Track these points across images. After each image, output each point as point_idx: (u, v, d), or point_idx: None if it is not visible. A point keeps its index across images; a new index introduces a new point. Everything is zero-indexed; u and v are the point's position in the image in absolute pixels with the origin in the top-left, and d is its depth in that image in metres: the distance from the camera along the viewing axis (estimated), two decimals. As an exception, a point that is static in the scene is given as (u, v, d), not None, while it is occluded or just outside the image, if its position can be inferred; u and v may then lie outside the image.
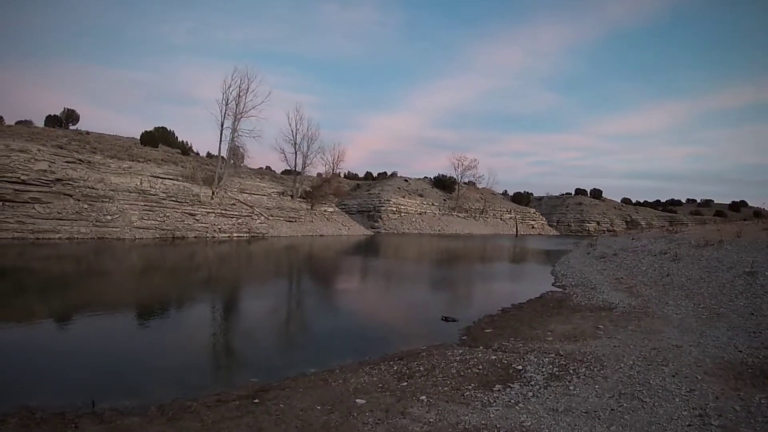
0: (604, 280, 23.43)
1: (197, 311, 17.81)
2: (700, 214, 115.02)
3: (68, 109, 58.11)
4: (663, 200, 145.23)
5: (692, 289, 18.20)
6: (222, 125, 52.26)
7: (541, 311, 16.98)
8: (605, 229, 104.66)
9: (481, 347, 11.90)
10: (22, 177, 36.20)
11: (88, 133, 53.62)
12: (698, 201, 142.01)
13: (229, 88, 52.24)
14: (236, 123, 52.27)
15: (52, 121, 55.83)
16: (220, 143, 52.93)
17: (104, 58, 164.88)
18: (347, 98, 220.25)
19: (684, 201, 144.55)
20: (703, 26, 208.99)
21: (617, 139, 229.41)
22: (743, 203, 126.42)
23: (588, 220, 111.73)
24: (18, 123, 52.54)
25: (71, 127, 56.03)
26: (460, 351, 11.52)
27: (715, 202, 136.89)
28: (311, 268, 32.78)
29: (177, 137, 61.68)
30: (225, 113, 52.09)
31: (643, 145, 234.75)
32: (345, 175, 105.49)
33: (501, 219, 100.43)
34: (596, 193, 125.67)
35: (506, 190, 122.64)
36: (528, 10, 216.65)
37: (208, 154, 63.66)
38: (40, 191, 37.13)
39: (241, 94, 52.36)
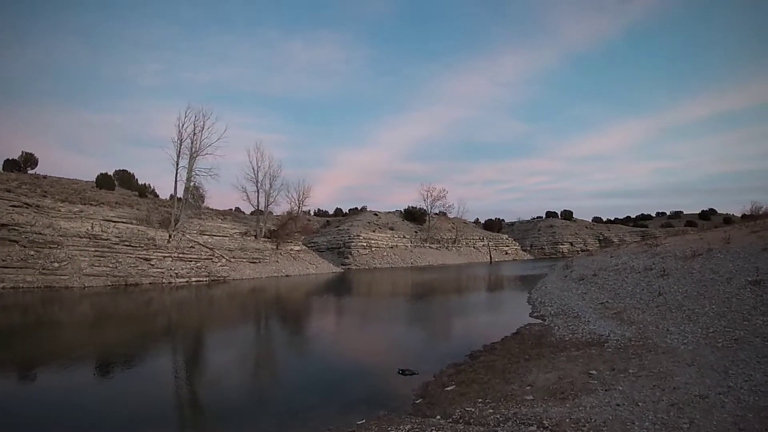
0: (587, 306, 20.33)
1: (155, 366, 15.70)
2: (671, 226, 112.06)
3: (26, 153, 54.34)
4: (633, 216, 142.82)
5: (693, 309, 15.33)
6: (177, 164, 48.34)
7: (517, 353, 13.72)
8: (579, 249, 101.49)
9: (438, 417, 8.69)
10: None
11: (45, 177, 49.52)
12: (668, 213, 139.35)
13: (183, 125, 48.23)
14: (192, 162, 48.30)
15: (10, 165, 51.88)
16: (175, 183, 48.95)
17: (70, 100, 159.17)
18: (315, 136, 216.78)
19: (654, 215, 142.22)
20: (657, 44, 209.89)
21: (584, 160, 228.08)
22: (712, 211, 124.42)
23: (561, 241, 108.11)
24: None
25: (30, 171, 51.99)
26: (407, 428, 8.09)
27: (685, 213, 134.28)
28: (261, 315, 29.11)
29: (137, 180, 57.67)
30: (180, 152, 48.20)
31: (611, 164, 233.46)
32: (314, 212, 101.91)
33: (474, 247, 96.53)
34: (567, 215, 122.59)
35: (478, 218, 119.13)
36: (488, 41, 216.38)
37: (171, 197, 59.77)
38: None
39: (196, 131, 48.61)
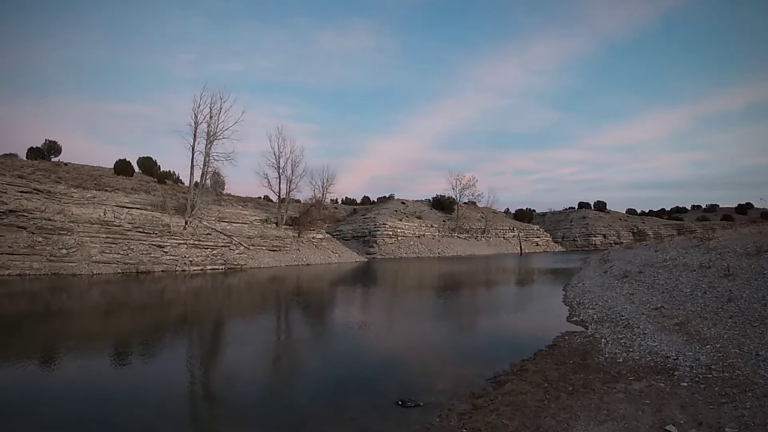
0: (638, 312, 16.52)
1: (170, 357, 14.51)
2: (707, 220, 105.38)
3: (50, 141, 52.30)
4: (668, 208, 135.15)
5: (784, 324, 11.36)
6: (193, 149, 45.61)
7: (556, 380, 10.20)
8: (612, 241, 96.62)
9: None
10: None
11: (65, 164, 47.61)
12: (704, 206, 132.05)
13: (198, 108, 45.40)
14: (209, 146, 45.63)
15: (33, 153, 50.00)
16: (191, 168, 46.05)
17: (104, 93, 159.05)
18: (346, 125, 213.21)
19: (689, 208, 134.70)
20: (695, 31, 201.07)
21: (618, 150, 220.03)
22: (749, 205, 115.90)
23: (594, 233, 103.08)
24: (2, 156, 46.61)
25: (53, 159, 49.88)
26: None
27: (721, 206, 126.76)
28: (276, 306, 26.05)
29: (159, 167, 54.49)
30: (196, 136, 45.50)
31: (644, 154, 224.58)
32: (342, 200, 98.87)
33: (504, 238, 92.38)
34: (600, 206, 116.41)
35: (508, 208, 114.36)
36: (521, 29, 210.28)
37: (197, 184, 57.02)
38: None
39: (213, 115, 45.71)
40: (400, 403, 9.37)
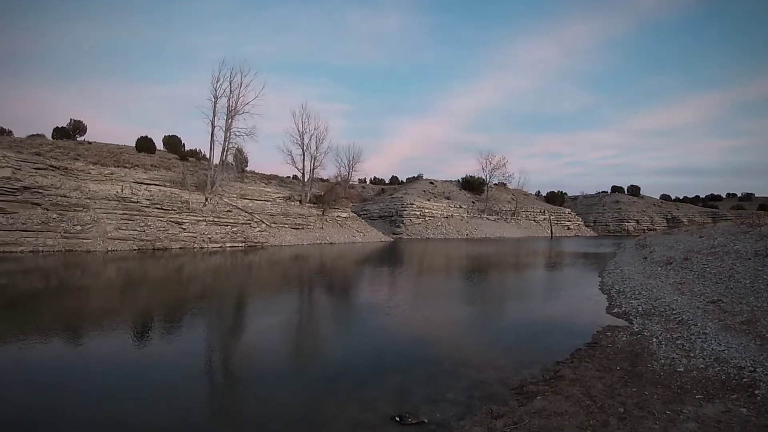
0: (691, 305, 14.11)
1: (190, 334, 13.76)
2: (743, 209, 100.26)
3: (75, 120, 51.79)
4: (702, 196, 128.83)
5: None
6: (213, 124, 43.95)
7: (601, 397, 7.96)
8: (645, 228, 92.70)
9: None
10: None
11: (89, 143, 46.60)
12: (739, 195, 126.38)
13: (218, 82, 43.68)
14: (230, 121, 43.87)
15: (59, 132, 49.43)
16: (211, 144, 44.48)
17: (135, 75, 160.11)
18: (377, 105, 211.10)
19: (724, 196, 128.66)
20: (736, 14, 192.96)
21: (651, 135, 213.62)
22: None
23: (627, 219, 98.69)
24: (30, 136, 46.66)
25: (78, 139, 48.99)
26: None
27: (757, 195, 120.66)
28: (292, 285, 24.31)
29: (184, 145, 53.02)
30: (215, 111, 43.82)
31: (679, 139, 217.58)
32: (371, 180, 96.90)
33: (534, 221, 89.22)
34: (634, 190, 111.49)
35: (539, 191, 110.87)
36: (557, 7, 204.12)
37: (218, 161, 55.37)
38: (3, 200, 30.77)
39: (233, 89, 43.98)
40: (397, 419, 7.38)
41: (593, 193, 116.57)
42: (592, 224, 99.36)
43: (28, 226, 30.58)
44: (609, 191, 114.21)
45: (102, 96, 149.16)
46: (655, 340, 10.91)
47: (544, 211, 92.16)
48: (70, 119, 51.09)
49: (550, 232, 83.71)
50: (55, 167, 35.12)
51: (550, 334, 13.12)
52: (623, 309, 15.13)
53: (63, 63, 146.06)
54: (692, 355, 9.51)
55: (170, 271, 27.32)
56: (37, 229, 30.80)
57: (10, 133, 48.25)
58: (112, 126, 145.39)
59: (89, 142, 46.62)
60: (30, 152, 35.70)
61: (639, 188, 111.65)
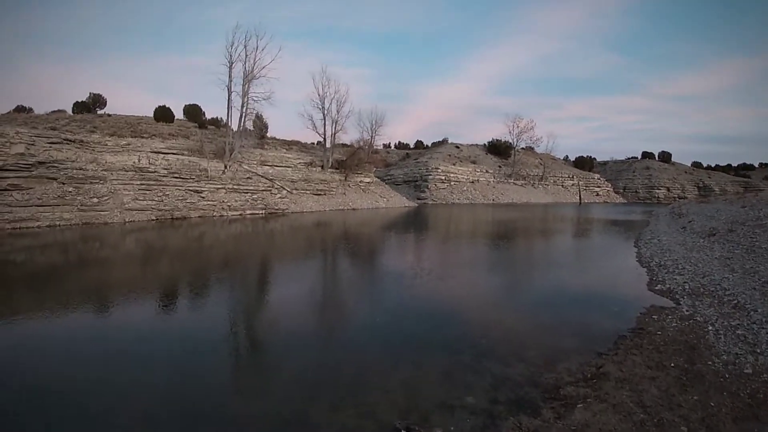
0: (744, 284, 12.46)
1: (214, 303, 13.63)
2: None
3: (94, 94, 51.00)
4: (734, 164, 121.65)
5: None
6: (229, 90, 42.20)
7: (656, 409, 6.45)
8: (676, 195, 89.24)
9: None
10: None
11: (109, 115, 45.56)
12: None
13: (232, 46, 41.81)
14: (246, 86, 42.14)
15: (79, 107, 48.61)
16: (228, 110, 42.74)
17: (157, 47, 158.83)
18: (401, 70, 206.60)
19: (757, 165, 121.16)
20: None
21: (681, 100, 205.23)
22: None
23: (657, 186, 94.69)
24: (52, 112, 46.17)
25: (98, 112, 48.17)
26: None
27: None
28: (307, 256, 23.12)
29: (205, 114, 51.64)
30: (231, 76, 41.99)
31: (709, 106, 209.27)
32: (395, 145, 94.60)
33: (562, 186, 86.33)
34: (665, 157, 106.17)
35: (567, 156, 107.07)
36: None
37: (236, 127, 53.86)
38: (18, 177, 29.77)
39: (248, 53, 42.02)
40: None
41: (623, 158, 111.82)
42: (621, 191, 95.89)
43: (44, 201, 29.81)
44: (639, 157, 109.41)
45: (122, 69, 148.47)
46: (711, 328, 9.28)
47: (572, 177, 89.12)
48: (90, 93, 50.37)
49: (578, 197, 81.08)
50: (70, 140, 34.16)
51: (587, 314, 11.70)
52: (667, 286, 13.56)
53: (83, 39, 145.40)
54: (759, 351, 7.96)
55: (190, 240, 26.94)
56: (53, 204, 30.05)
57: (30, 110, 47.62)
58: (134, 99, 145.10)
59: (108, 115, 45.78)
60: (45, 127, 34.95)
61: (670, 155, 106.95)
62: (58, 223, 29.24)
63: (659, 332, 9.36)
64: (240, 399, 7.59)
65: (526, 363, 8.33)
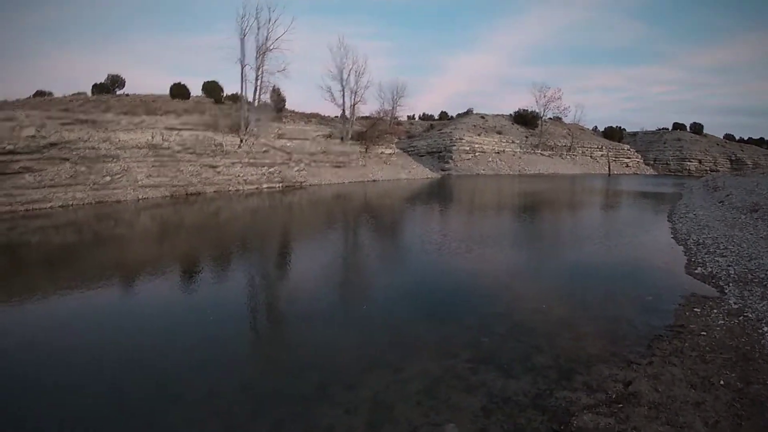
0: None
1: (233, 277, 13.40)
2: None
3: (112, 75, 50.27)
4: (767, 138, 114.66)
5: None
6: (242, 63, 40.41)
7: None
8: (708, 168, 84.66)
9: None
10: (8, 147, 28.41)
11: (127, 95, 45.11)
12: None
13: (243, 18, 39.92)
14: (260, 59, 40.39)
15: (98, 88, 47.97)
16: (242, 83, 41.11)
17: (174, 25, 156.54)
18: (422, 42, 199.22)
19: None
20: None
21: (714, 72, 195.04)
22: None
23: (689, 158, 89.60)
24: (72, 94, 45.13)
25: (117, 92, 47.55)
26: None
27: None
28: (325, 229, 22.13)
29: (223, 89, 50.04)
30: (244, 50, 40.20)
31: (742, 78, 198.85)
32: (419, 116, 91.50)
33: (591, 156, 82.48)
34: (697, 128, 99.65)
35: (596, 126, 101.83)
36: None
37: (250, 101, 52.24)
38: (30, 159, 29.26)
39: (260, 25, 40.09)
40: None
41: (653, 129, 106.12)
42: (651, 162, 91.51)
43: (57, 182, 29.21)
44: (670, 128, 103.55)
45: (143, 51, 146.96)
46: (767, 329, 7.05)
47: (601, 147, 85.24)
48: (108, 74, 49.66)
49: (607, 169, 77.79)
50: (82, 121, 33.30)
51: (616, 304, 10.17)
52: (708, 269, 11.94)
53: (103, 22, 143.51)
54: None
55: (206, 215, 26.81)
56: (65, 184, 29.41)
57: (50, 94, 46.67)
58: (154, 79, 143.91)
59: (126, 95, 45.19)
60: (58, 109, 34.18)
61: (702, 126, 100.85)
62: (71, 203, 28.57)
63: (703, 332, 7.78)
64: (264, 372, 7.62)
65: (534, 374, 6.89)
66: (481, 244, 17.18)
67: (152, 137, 34.48)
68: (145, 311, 10.36)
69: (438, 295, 11.19)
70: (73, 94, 44.78)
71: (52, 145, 30.06)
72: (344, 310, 10.47)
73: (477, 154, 67.93)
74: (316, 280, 12.72)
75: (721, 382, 6.12)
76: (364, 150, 50.57)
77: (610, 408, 5.79)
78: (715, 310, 8.87)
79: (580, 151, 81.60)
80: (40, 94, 46.21)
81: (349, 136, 50.35)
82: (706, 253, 13.62)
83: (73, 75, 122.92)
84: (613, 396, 6.10)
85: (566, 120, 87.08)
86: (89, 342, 8.70)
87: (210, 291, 11.90)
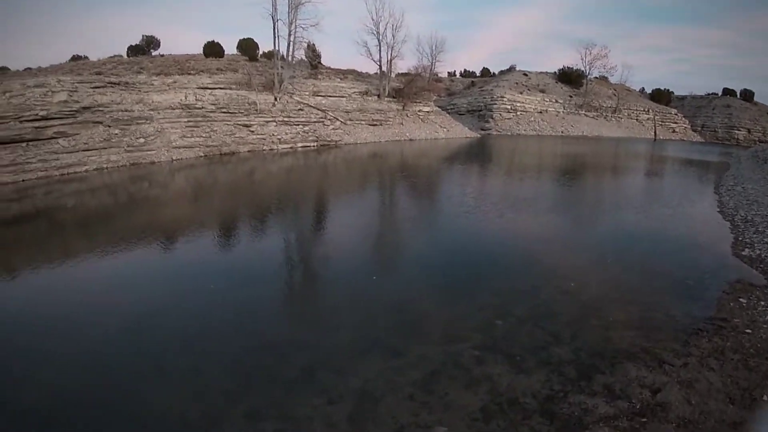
0: None
1: (271, 238, 13.37)
2: None
3: (147, 36, 49.00)
4: None
5: None
6: (274, 19, 38.70)
7: None
8: (756, 138, 79.25)
9: None
10: (41, 113, 28.20)
11: (162, 56, 44.05)
12: None
13: (272, -31, 39.30)
14: (293, 13, 38.75)
15: (133, 50, 47.26)
16: (274, 39, 39.42)
17: None
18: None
19: None
20: None
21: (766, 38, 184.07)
22: None
23: (737, 126, 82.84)
24: (108, 58, 43.79)
25: (153, 53, 46.57)
26: None
27: None
28: (362, 189, 21.90)
29: (258, 46, 48.45)
30: (276, 4, 38.15)
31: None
32: (461, 73, 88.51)
33: (637, 119, 77.87)
34: (747, 95, 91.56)
35: (643, 88, 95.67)
36: None
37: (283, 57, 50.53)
38: (63, 124, 29.02)
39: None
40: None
41: (702, 94, 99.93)
42: (699, 129, 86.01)
43: (90, 145, 29.04)
44: (720, 94, 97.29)
45: (178, 10, 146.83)
46: None
47: (648, 110, 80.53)
48: (142, 35, 48.49)
49: (653, 133, 73.98)
50: (115, 83, 33.00)
51: (652, 286, 9.40)
52: (757, 252, 10.96)
53: None
54: None
55: (241, 174, 26.74)
56: (99, 147, 29.26)
57: (85, 58, 46.36)
58: (189, 39, 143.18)
59: (162, 55, 44.37)
60: (91, 72, 33.77)
61: (753, 93, 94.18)
62: (105, 165, 28.47)
63: (748, 330, 6.99)
64: (252, 349, 7.36)
65: (548, 370, 6.30)
66: (514, 209, 16.61)
67: (185, 97, 34.04)
68: (178, 269, 10.62)
69: (457, 266, 10.70)
70: (109, 57, 44.30)
71: (85, 109, 29.93)
72: (352, 279, 10.07)
73: (518, 113, 65.29)
74: (334, 244, 12.66)
75: (765, 398, 5.29)
76: (401, 108, 49.00)
77: (631, 422, 5.04)
78: (762, 302, 7.97)
79: (626, 114, 77.61)
80: (76, 58, 46.00)
81: (386, 93, 48.94)
82: (754, 232, 12.56)
83: (108, 38, 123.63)
84: (638, 406, 5.34)
85: (612, 80, 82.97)
86: (119, 299, 8.80)
87: (226, 255, 11.94)
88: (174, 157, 30.72)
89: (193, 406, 5.93)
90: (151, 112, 32.13)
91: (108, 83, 32.50)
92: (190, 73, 36.77)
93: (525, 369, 6.32)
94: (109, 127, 30.23)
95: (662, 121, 79.61)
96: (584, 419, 5.27)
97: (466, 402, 5.68)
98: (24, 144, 27.33)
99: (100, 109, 30.38)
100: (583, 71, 77.47)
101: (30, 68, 38.74)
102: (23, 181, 25.29)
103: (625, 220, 15.45)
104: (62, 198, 20.95)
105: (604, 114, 74.65)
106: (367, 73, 57.45)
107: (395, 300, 8.85)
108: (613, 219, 15.86)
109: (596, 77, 79.64)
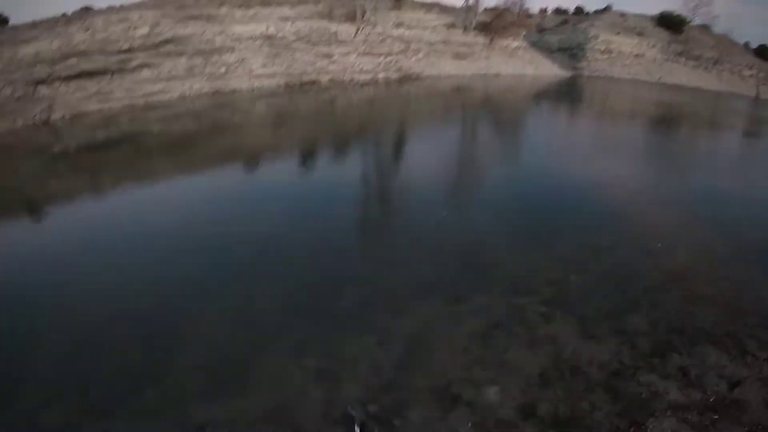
0: None
1: (350, 171, 13.36)
2: None
3: None
4: None
5: None
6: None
7: None
8: None
9: None
10: (124, 46, 28.80)
11: None
12: None
13: None
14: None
15: None
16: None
17: None
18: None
19: None
20: None
21: None
22: None
23: None
24: None
25: None
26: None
27: None
28: (444, 123, 22.67)
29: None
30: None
31: None
32: (553, 10, 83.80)
33: (739, 75, 69.40)
34: None
35: (748, 42, 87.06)
36: None
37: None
38: (147, 55, 29.58)
39: None
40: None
41: None
42: None
43: (173, 75, 29.44)
44: None
45: None
46: None
47: (751, 67, 72.55)
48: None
49: (755, 91, 65.32)
50: (196, 16, 33.25)
51: (749, 259, 8.15)
52: None
53: None
54: None
55: (320, 103, 26.80)
56: (182, 76, 29.67)
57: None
58: None
59: None
60: (173, 7, 34.05)
61: None
62: (188, 93, 28.68)
63: None
64: (307, 282, 7.10)
65: (620, 340, 5.38)
66: (603, 155, 15.73)
67: (267, 29, 34.03)
68: (260, 195, 10.73)
69: (534, 212, 9.99)
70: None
71: (167, 41, 30.24)
72: (422, 214, 9.77)
73: (613, 55, 60.29)
74: (408, 177, 12.62)
75: None
76: (488, 42, 46.52)
77: (701, 417, 4.38)
78: None
79: (728, 67, 70.50)
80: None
81: (473, 26, 46.45)
82: None
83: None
84: (711, 399, 4.61)
85: (715, 30, 75.99)
86: (192, 219, 9.21)
87: (300, 182, 12.06)
88: (255, 86, 30.57)
89: (238, 335, 5.84)
90: (233, 43, 32.11)
91: (190, 16, 32.57)
92: (271, 5, 36.27)
93: (595, 335, 5.36)
94: (192, 57, 30.34)
95: (766, 80, 72.23)
96: (651, 404, 4.58)
97: (525, 363, 5.03)
98: (109, 75, 27.63)
99: (182, 41, 30.62)
100: (685, 17, 71.42)
101: (113, 6, 39.91)
102: (109, 108, 25.43)
103: (723, 183, 13.74)
104: (147, 124, 21.29)
105: (705, 65, 67.41)
106: (453, 6, 55.44)
107: (463, 240, 8.20)
108: (710, 180, 14.14)
109: (698, 25, 73.36)
